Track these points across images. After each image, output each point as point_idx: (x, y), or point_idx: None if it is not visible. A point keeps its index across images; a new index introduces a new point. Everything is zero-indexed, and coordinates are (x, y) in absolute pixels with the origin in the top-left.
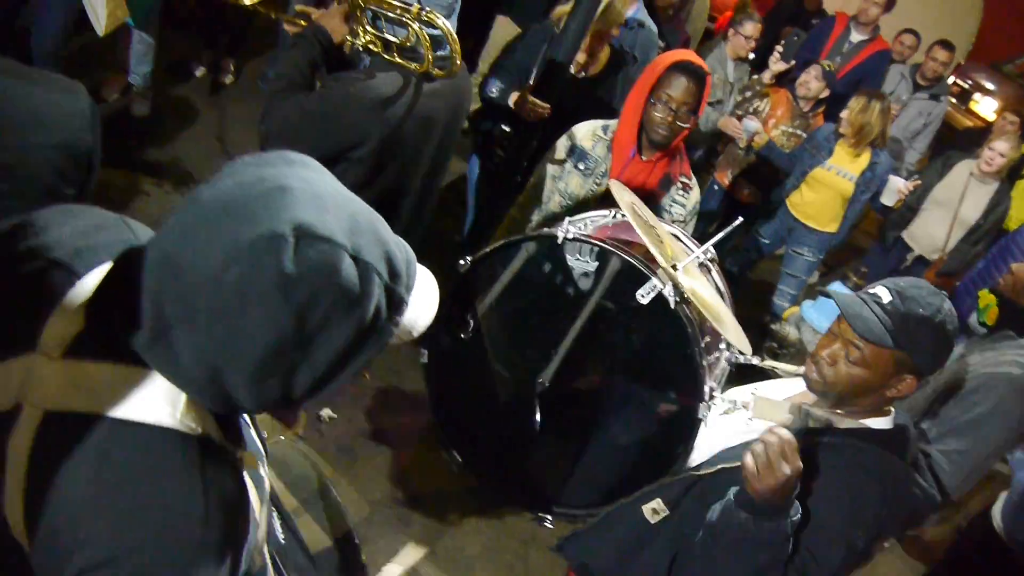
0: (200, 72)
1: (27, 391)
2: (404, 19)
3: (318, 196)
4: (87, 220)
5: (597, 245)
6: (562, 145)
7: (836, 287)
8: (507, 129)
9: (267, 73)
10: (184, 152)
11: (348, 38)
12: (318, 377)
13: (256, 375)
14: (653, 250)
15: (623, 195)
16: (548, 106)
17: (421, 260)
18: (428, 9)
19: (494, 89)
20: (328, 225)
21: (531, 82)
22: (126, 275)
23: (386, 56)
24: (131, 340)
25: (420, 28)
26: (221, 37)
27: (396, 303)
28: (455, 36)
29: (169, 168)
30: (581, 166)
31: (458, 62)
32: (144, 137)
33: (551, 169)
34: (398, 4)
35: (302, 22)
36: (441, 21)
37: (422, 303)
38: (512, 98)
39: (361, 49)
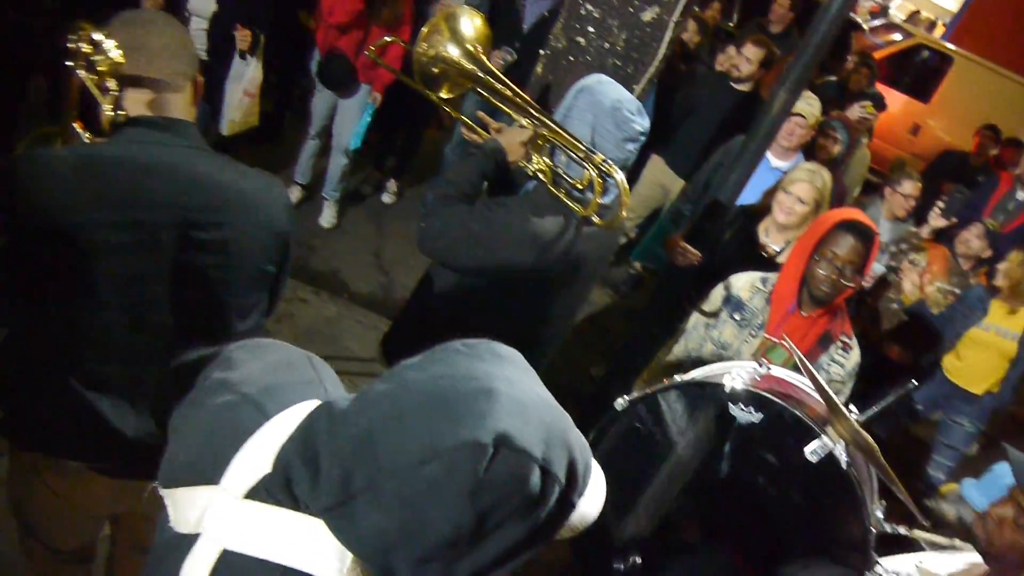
0: (366, 191)
1: (207, 523)
2: (584, 163)
3: (521, 403)
4: (276, 356)
5: (767, 397)
6: (717, 294)
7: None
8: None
9: (427, 197)
10: (342, 264)
11: (523, 161)
12: (479, 568)
13: (423, 558)
14: (821, 407)
15: (793, 351)
16: (699, 254)
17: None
18: (610, 162)
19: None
20: (527, 437)
21: (685, 227)
22: (317, 432)
23: (552, 188)
24: (314, 498)
25: (597, 175)
26: (388, 159)
27: (568, 507)
28: (628, 191)
29: (327, 278)
30: (737, 316)
31: (622, 215)
32: (304, 245)
33: (705, 317)
34: (584, 147)
35: (480, 131)
36: (619, 176)
37: (591, 502)
38: (666, 244)
39: (529, 174)
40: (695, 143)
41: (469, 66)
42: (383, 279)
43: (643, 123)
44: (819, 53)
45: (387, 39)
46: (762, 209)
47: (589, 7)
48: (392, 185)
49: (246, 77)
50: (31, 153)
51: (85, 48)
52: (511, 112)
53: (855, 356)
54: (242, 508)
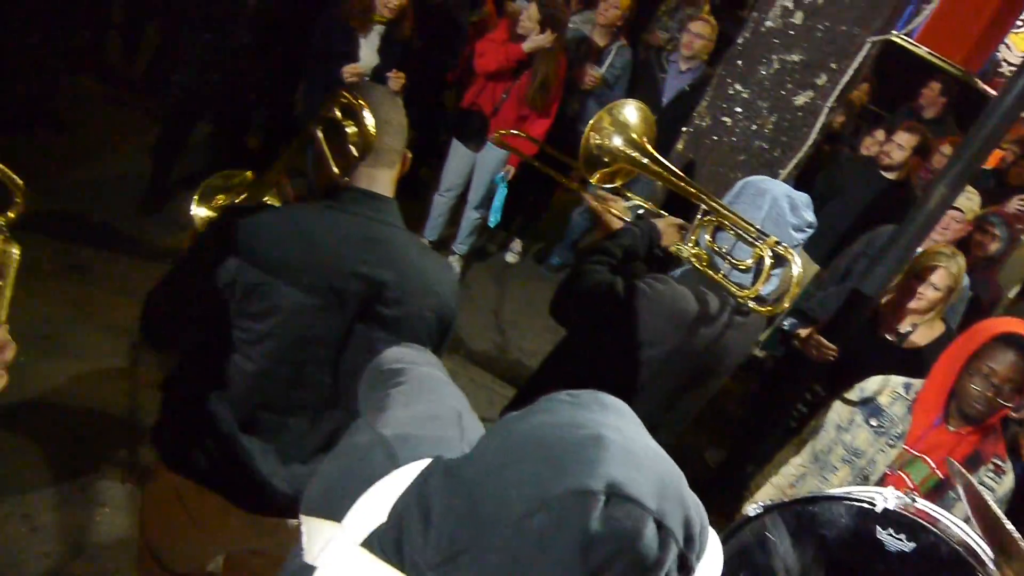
0: (490, 249)
1: (324, 561)
2: (755, 242)
3: (631, 452)
4: (427, 407)
5: (922, 524)
6: (853, 396)
7: None
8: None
9: (551, 259)
10: (460, 320)
11: (677, 245)
12: None
13: None
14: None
15: (962, 473)
16: (835, 349)
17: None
18: (785, 245)
19: (785, 323)
20: (639, 486)
21: (822, 321)
22: (431, 486)
23: (709, 272)
24: (423, 555)
25: (770, 255)
26: (515, 219)
27: (686, 570)
28: (800, 280)
29: None
30: (873, 422)
31: (785, 305)
32: None
33: (837, 418)
34: (756, 228)
35: (613, 208)
36: (795, 259)
37: (709, 568)
38: (802, 333)
39: (683, 258)
40: (834, 228)
41: (635, 154)
42: (499, 339)
43: (812, 217)
44: (988, 148)
45: (514, 132)
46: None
47: (738, 87)
48: (517, 245)
49: None
50: (255, 208)
51: (339, 114)
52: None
53: (1008, 481)
54: (355, 556)
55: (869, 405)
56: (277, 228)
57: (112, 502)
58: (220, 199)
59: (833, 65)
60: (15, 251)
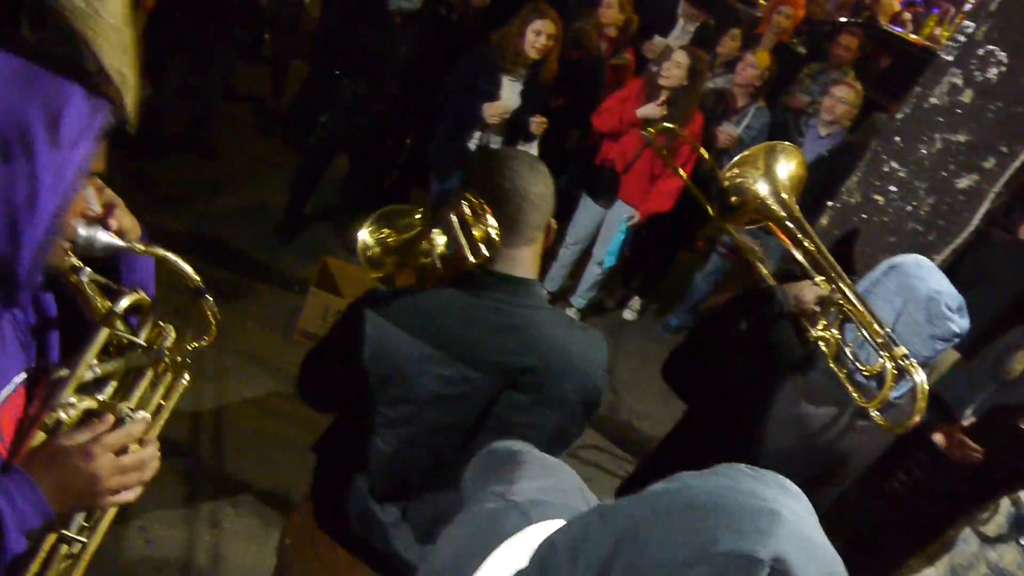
0: (608, 304)
1: None
2: (880, 350)
3: (806, 538)
4: (552, 482)
5: None
6: (1004, 509)
7: None
8: None
9: (669, 321)
10: None
11: (806, 321)
12: None
13: None
14: None
15: None
16: (980, 451)
17: None
18: (912, 360)
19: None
20: (804, 570)
21: (965, 420)
22: (586, 524)
23: (832, 364)
24: None
25: (892, 368)
26: (636, 276)
27: None
28: (926, 394)
29: None
30: None
31: (915, 419)
32: None
33: (982, 530)
34: (884, 333)
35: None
36: (919, 378)
37: None
38: (938, 434)
39: (810, 340)
40: (983, 316)
41: (775, 207)
42: (612, 398)
43: (962, 323)
44: None
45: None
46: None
47: (894, 165)
48: (636, 303)
49: None
50: (382, 298)
51: (467, 211)
52: (807, 266)
53: None
54: None
55: (1022, 522)
56: (409, 322)
57: (227, 527)
58: (387, 233)
59: (1004, 148)
60: (185, 379)
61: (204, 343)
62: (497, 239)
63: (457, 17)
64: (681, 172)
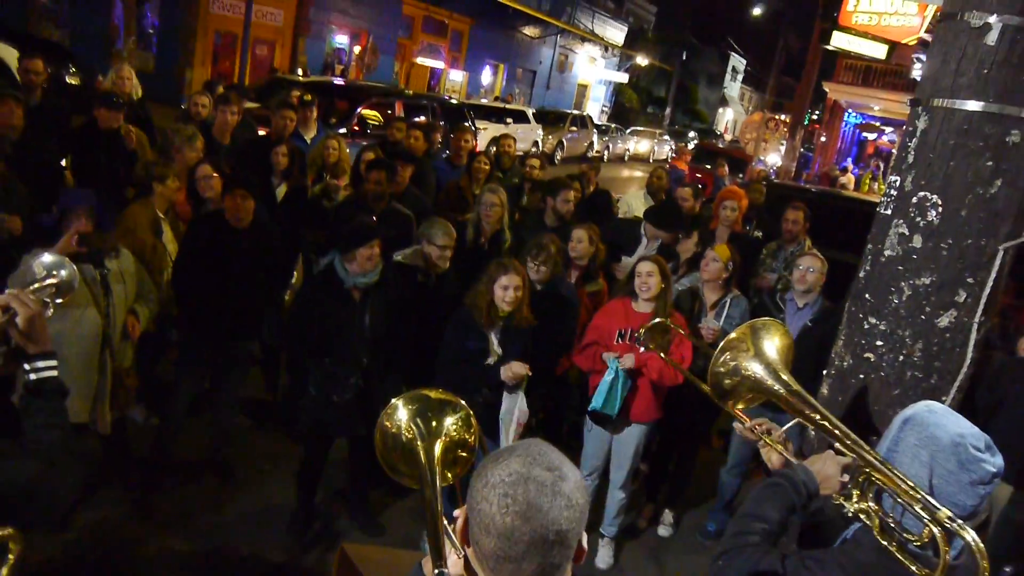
0: (641, 524)
1: None
2: (924, 519)
3: None
4: None
5: None
6: None
7: None
8: None
9: (707, 526)
10: None
11: (839, 496)
12: None
13: None
14: None
15: None
16: None
17: None
18: (959, 521)
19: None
20: None
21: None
22: None
23: (880, 538)
24: None
25: (940, 533)
26: (660, 489)
27: None
28: (983, 551)
29: None
30: None
31: (984, 565)
32: None
33: None
34: (922, 497)
35: (769, 439)
36: (970, 537)
37: None
38: None
39: (850, 515)
40: (1015, 443)
41: (771, 383)
42: None
43: (995, 461)
44: None
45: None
46: None
47: (872, 320)
48: (668, 516)
49: (517, 410)
50: None
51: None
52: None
53: None
54: None
55: None
56: None
57: None
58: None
59: (969, 279)
60: None
61: None
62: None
63: (432, 282)
64: (679, 367)
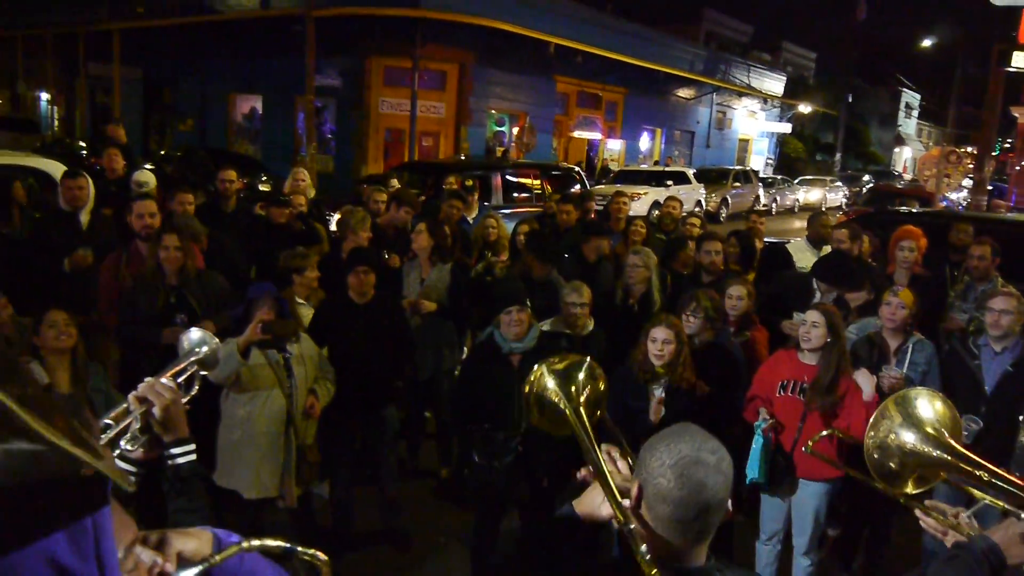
0: None
1: None
2: None
3: None
4: None
5: None
6: None
7: None
8: None
9: None
10: None
11: None
12: None
13: None
14: None
15: None
16: None
17: None
18: None
19: None
20: None
21: None
22: None
23: None
24: None
25: None
26: (855, 559)
27: None
28: None
29: None
30: None
31: None
32: None
33: None
34: None
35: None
36: None
37: None
38: None
39: None
40: None
41: (933, 452)
42: None
43: None
44: None
45: (825, 432)
46: None
47: None
48: None
49: None
50: None
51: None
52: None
53: None
54: None
55: None
56: None
57: None
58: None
59: None
60: None
61: None
62: None
63: (577, 344)
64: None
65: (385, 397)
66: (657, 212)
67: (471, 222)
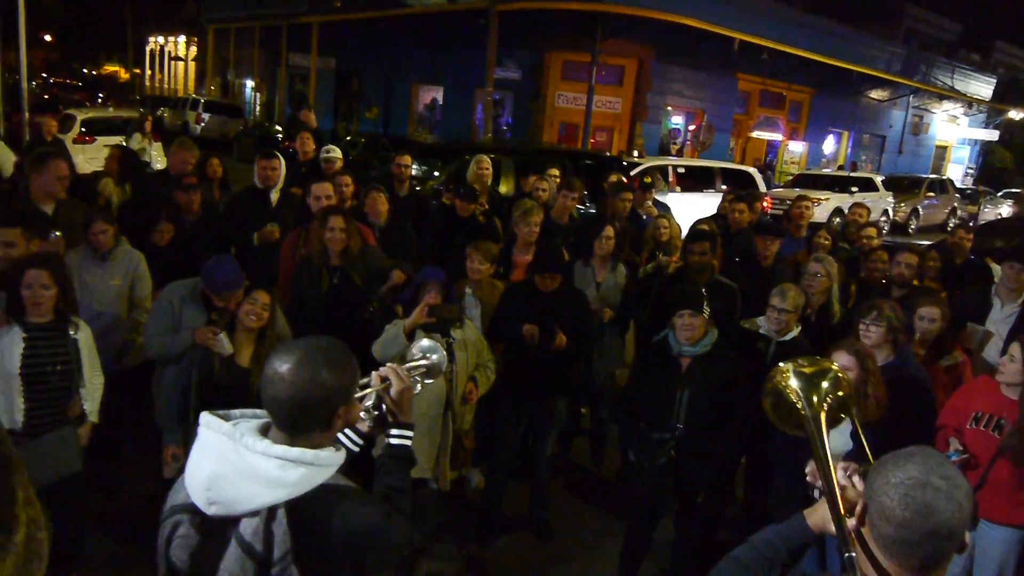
0: None
1: None
2: None
3: None
4: None
5: None
6: None
7: None
8: None
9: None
10: None
11: None
12: None
13: None
14: None
15: None
16: None
17: None
18: None
19: None
20: None
21: None
22: None
23: None
24: None
25: None
26: None
27: None
28: None
29: None
30: None
31: None
32: None
33: None
34: None
35: None
36: None
37: None
38: None
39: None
40: None
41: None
42: None
43: None
44: None
45: None
46: None
47: None
48: None
49: None
50: None
51: None
52: None
53: None
54: None
55: None
56: None
57: None
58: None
59: None
60: None
61: None
62: None
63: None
64: None
65: (558, 388)
66: (838, 220)
67: (645, 219)
